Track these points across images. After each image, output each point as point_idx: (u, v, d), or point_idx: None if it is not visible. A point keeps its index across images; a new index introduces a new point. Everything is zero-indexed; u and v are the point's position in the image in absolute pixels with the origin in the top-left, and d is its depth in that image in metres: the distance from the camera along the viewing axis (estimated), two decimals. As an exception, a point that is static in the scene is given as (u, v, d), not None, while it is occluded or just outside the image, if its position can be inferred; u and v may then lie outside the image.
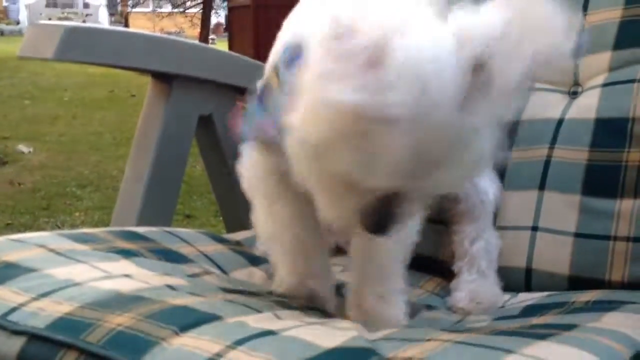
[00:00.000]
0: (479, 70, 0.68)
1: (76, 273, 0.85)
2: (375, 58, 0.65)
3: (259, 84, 0.88)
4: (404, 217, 0.75)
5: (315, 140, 0.68)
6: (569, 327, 0.80)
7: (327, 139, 0.67)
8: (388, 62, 0.65)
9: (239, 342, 0.68)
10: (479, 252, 1.12)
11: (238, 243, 1.22)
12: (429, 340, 0.72)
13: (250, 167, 0.95)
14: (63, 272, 0.85)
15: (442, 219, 1.15)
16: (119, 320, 0.73)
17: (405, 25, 0.66)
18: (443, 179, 0.71)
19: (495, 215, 1.16)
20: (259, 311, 0.80)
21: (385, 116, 0.64)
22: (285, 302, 0.92)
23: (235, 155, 1.41)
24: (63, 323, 0.74)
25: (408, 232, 0.92)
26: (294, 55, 0.78)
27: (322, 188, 0.74)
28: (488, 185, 1.13)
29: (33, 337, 0.74)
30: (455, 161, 0.70)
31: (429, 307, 1.05)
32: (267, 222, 0.96)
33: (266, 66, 0.91)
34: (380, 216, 0.74)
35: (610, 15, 1.21)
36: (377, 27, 0.66)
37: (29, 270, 0.85)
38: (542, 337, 0.73)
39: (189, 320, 0.72)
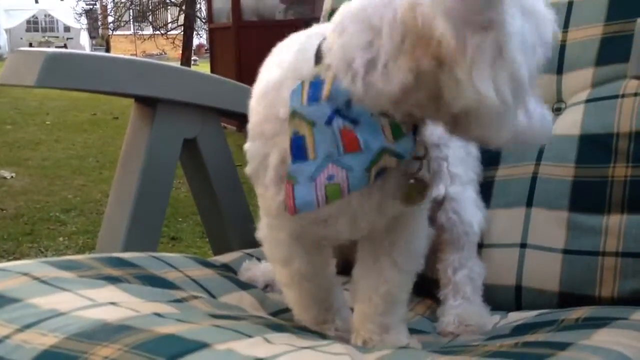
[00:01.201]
0: None
1: (61, 302, 0.84)
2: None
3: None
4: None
5: None
6: (563, 345, 0.79)
7: None
8: None
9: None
10: (462, 280, 1.12)
11: (225, 266, 1.21)
12: (423, 364, 0.71)
13: (266, 230, 0.94)
14: (47, 301, 0.84)
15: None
16: (105, 352, 0.71)
17: None
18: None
19: (482, 236, 1.17)
20: (248, 336, 0.78)
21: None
22: (277, 324, 0.91)
23: (220, 177, 1.41)
24: (48, 356, 0.73)
25: (417, 261, 0.93)
26: (313, 89, 0.78)
27: None
28: (473, 215, 1.14)
29: None
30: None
31: (420, 332, 1.05)
32: (282, 275, 0.97)
33: (257, 126, 0.87)
34: None
35: (591, 31, 1.22)
36: None
37: (12, 300, 0.84)
38: (539, 359, 0.73)
39: (176, 349, 0.71)
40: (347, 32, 0.76)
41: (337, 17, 0.79)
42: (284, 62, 0.85)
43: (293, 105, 0.78)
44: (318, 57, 0.80)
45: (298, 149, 0.77)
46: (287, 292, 1.00)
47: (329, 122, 0.76)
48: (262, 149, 0.85)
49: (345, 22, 0.77)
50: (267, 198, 0.86)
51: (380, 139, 0.77)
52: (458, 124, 0.75)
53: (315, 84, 0.78)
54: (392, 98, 0.75)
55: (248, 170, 0.88)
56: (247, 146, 0.88)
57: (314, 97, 0.77)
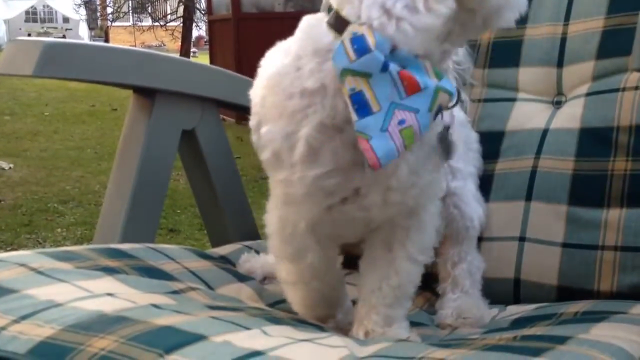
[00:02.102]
0: None
1: (58, 293, 0.83)
2: None
3: (347, 96, 0.80)
4: None
5: None
6: (562, 339, 0.79)
7: None
8: None
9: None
10: (461, 274, 1.12)
11: (223, 258, 1.20)
12: (421, 358, 0.71)
13: (277, 224, 0.93)
14: (44, 292, 0.83)
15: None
16: (102, 344, 0.71)
17: None
18: None
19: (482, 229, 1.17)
20: (246, 328, 0.78)
21: None
22: (274, 316, 0.91)
23: (219, 168, 1.41)
24: (44, 348, 0.72)
25: (428, 253, 0.94)
26: (357, 44, 0.77)
27: None
28: (474, 210, 1.14)
29: None
30: None
31: (419, 325, 1.04)
32: (290, 273, 0.96)
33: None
34: None
35: (593, 25, 1.21)
36: None
37: (9, 291, 0.83)
38: (536, 352, 0.72)
39: (173, 341, 0.70)
40: None
41: None
42: (291, 47, 0.85)
43: (340, 65, 0.77)
44: (334, 24, 0.80)
45: (360, 105, 0.77)
46: (292, 291, 0.99)
47: (384, 69, 0.76)
48: (286, 128, 0.83)
49: None
50: (294, 181, 0.84)
51: (431, 79, 0.78)
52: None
53: (358, 39, 0.77)
54: (437, 32, 0.78)
55: (266, 155, 0.87)
56: (263, 131, 0.87)
57: (362, 49, 0.77)
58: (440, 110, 0.81)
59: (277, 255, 0.97)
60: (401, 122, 0.77)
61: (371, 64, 0.76)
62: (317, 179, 0.82)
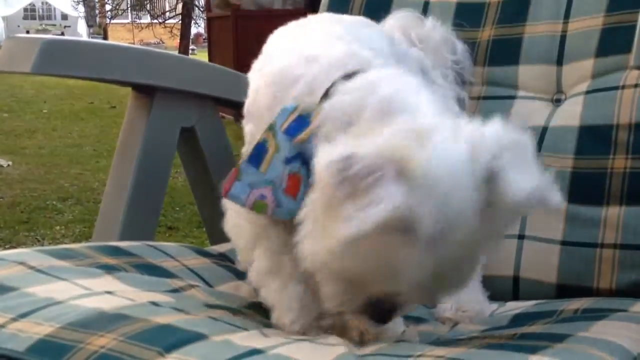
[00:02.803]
0: (492, 181, 0.70)
1: (57, 291, 0.83)
2: (394, 173, 0.66)
3: (251, 143, 0.87)
4: (404, 310, 0.79)
5: (332, 248, 0.69)
6: (561, 337, 0.79)
7: (346, 250, 0.68)
8: (408, 177, 0.66)
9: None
10: None
11: (222, 255, 1.20)
12: (419, 356, 0.70)
13: (237, 214, 0.94)
14: (43, 290, 0.83)
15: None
16: (102, 342, 0.70)
17: (421, 140, 0.68)
18: (450, 284, 0.75)
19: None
20: (244, 329, 0.78)
21: (408, 232, 0.66)
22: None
23: (218, 166, 1.40)
24: (44, 345, 0.72)
25: None
26: (296, 124, 0.80)
27: (329, 280, 0.75)
28: None
29: None
30: (465, 269, 0.74)
31: (418, 320, 1.04)
32: (260, 259, 0.94)
33: (249, 111, 0.92)
34: (383, 310, 0.76)
35: (592, 22, 1.21)
36: (390, 146, 0.68)
37: (8, 289, 0.83)
38: (534, 350, 0.72)
39: (173, 339, 0.70)
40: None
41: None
42: (318, 57, 0.86)
43: (277, 120, 0.82)
44: (326, 93, 0.82)
45: (257, 155, 0.83)
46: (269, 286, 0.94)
47: (286, 161, 0.81)
48: (257, 133, 0.86)
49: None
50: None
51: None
52: None
53: (301, 121, 0.81)
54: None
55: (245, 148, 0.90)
56: (247, 128, 0.92)
57: (292, 132, 0.81)
58: None
59: (243, 257, 0.99)
60: (262, 196, 0.83)
61: (284, 147, 0.81)
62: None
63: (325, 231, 0.69)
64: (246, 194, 0.83)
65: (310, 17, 1.04)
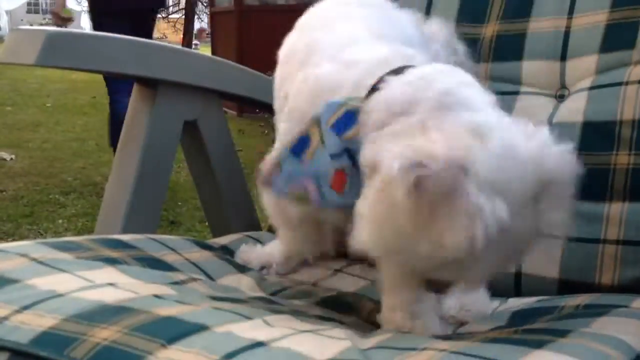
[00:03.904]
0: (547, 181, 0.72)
1: (59, 283, 0.83)
2: (455, 181, 0.66)
3: (295, 133, 0.85)
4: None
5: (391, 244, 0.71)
6: (563, 332, 0.79)
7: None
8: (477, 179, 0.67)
9: (229, 356, 0.66)
10: None
11: (224, 248, 1.20)
12: (424, 349, 0.70)
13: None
14: (46, 282, 0.83)
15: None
16: (105, 334, 0.71)
17: (484, 138, 0.69)
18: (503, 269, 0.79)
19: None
20: (247, 318, 0.78)
21: (475, 238, 0.66)
22: (276, 307, 0.91)
23: (220, 160, 1.40)
24: (47, 338, 0.72)
25: None
26: (344, 119, 0.79)
27: (387, 266, 0.78)
28: None
29: (15, 353, 0.72)
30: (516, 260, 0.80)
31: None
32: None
33: (278, 102, 0.95)
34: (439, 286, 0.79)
35: (596, 18, 1.21)
36: (452, 150, 0.68)
37: (10, 281, 0.83)
38: (538, 345, 0.72)
39: (176, 331, 0.70)
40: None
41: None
42: (359, 61, 0.87)
43: (322, 115, 0.81)
44: (373, 89, 0.81)
45: (300, 146, 0.81)
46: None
47: (333, 157, 0.80)
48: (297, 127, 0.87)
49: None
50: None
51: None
52: None
53: (349, 117, 0.80)
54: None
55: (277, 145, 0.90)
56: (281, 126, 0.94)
57: (339, 127, 0.80)
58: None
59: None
60: (304, 188, 0.82)
61: (331, 142, 0.80)
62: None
63: (394, 230, 0.69)
64: (286, 183, 0.82)
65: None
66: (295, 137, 0.82)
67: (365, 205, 0.72)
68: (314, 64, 0.93)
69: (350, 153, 0.80)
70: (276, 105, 1.08)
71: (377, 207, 0.71)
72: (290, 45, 1.04)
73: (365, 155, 0.76)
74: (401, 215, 0.67)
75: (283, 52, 1.05)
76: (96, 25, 4.05)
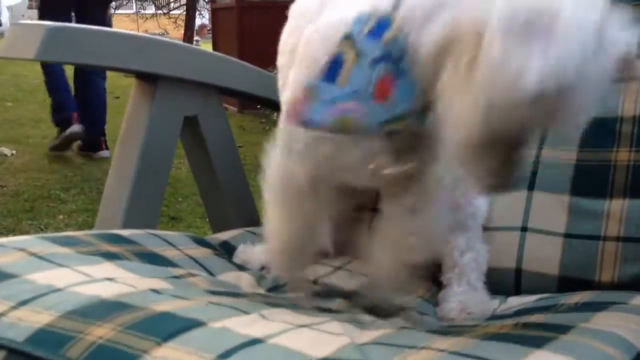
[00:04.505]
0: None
1: (57, 278, 0.83)
2: (548, 25, 0.66)
3: (326, 57, 0.81)
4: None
5: (489, 107, 0.68)
6: (564, 328, 0.78)
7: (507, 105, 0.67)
8: (559, 27, 0.66)
9: (224, 356, 0.65)
10: (469, 264, 1.10)
11: (223, 244, 1.20)
12: (422, 348, 0.70)
13: (277, 172, 0.93)
14: (44, 277, 0.83)
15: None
16: (100, 332, 0.70)
17: None
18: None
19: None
20: (244, 312, 0.78)
21: (565, 79, 0.66)
22: (273, 300, 0.91)
23: (220, 156, 1.40)
24: (43, 336, 0.72)
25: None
26: (379, 25, 0.77)
27: (469, 151, 0.74)
28: (480, 197, 1.12)
29: (12, 351, 0.71)
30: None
31: (421, 314, 1.04)
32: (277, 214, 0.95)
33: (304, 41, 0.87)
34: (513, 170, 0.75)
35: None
36: None
37: (8, 276, 0.83)
38: (538, 343, 0.72)
39: (172, 328, 0.70)
40: None
41: None
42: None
43: (353, 30, 0.78)
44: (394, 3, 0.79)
45: (333, 70, 0.78)
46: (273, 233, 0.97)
47: (375, 62, 0.76)
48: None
49: None
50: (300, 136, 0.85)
51: (410, 103, 0.77)
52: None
53: (383, 23, 0.77)
54: (427, 59, 0.75)
55: (285, 97, 0.87)
56: (292, 74, 0.88)
57: (377, 33, 0.77)
58: (397, 133, 0.80)
59: (271, 203, 0.96)
60: (348, 111, 0.77)
61: (370, 50, 0.77)
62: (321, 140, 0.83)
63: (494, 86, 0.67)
64: (326, 113, 0.78)
65: None
66: (324, 64, 0.79)
67: (457, 81, 0.71)
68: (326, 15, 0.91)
69: (392, 57, 0.77)
70: (281, 60, 1.05)
71: (476, 72, 0.69)
72: (303, 2, 1.02)
73: (432, 35, 0.74)
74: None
75: (294, 8, 1.03)
76: (40, 15, 4.28)
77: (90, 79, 4.37)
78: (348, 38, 0.78)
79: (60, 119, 4.62)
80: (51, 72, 4.35)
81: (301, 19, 0.97)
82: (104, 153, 4.54)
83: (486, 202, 1.14)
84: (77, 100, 4.52)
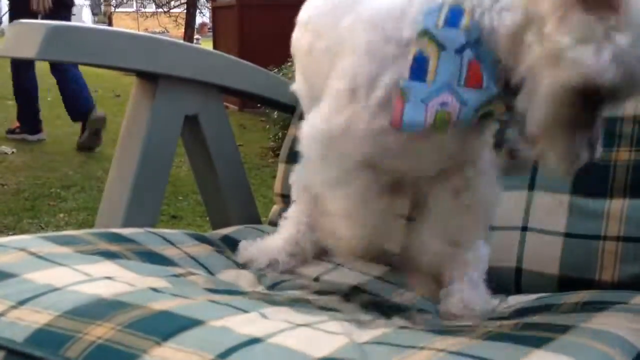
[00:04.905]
0: None
1: (56, 277, 0.83)
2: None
3: (409, 55, 0.81)
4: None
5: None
6: (564, 328, 0.79)
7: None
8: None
9: (224, 355, 0.65)
10: (472, 261, 1.09)
11: (223, 239, 1.20)
12: (422, 348, 0.70)
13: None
14: (43, 276, 0.83)
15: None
16: (99, 332, 0.70)
17: None
18: None
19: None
20: (244, 311, 0.77)
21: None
22: (273, 298, 0.91)
23: (221, 155, 1.40)
24: (42, 336, 0.72)
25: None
26: (453, 14, 0.78)
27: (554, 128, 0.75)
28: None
29: (11, 352, 0.71)
30: None
31: (422, 311, 1.04)
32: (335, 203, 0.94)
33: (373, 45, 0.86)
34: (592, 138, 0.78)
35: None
36: None
37: (8, 275, 0.83)
38: (538, 343, 0.72)
39: (171, 327, 0.70)
40: None
41: None
42: None
43: (427, 25, 0.79)
44: None
45: (419, 69, 0.78)
46: (341, 225, 0.96)
47: (460, 50, 0.77)
48: (372, 69, 0.84)
49: None
50: (359, 120, 0.85)
51: (495, 86, 0.78)
52: None
53: (456, 11, 0.78)
54: (504, 38, 0.76)
55: (342, 85, 0.87)
56: (345, 63, 0.87)
57: (452, 22, 0.78)
58: (489, 116, 0.82)
59: (317, 183, 0.96)
60: (444, 104, 0.78)
61: (451, 40, 0.78)
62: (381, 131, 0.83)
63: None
64: (423, 111, 0.78)
65: None
66: (409, 66, 0.79)
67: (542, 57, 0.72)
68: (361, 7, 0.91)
69: (473, 43, 0.78)
70: (298, 44, 1.05)
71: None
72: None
73: (509, 15, 0.75)
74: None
75: (314, 4, 1.03)
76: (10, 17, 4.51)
77: (67, 68, 4.47)
78: (425, 34, 0.79)
79: (77, 114, 4.77)
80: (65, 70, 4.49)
81: (333, 15, 0.95)
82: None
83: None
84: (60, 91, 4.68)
